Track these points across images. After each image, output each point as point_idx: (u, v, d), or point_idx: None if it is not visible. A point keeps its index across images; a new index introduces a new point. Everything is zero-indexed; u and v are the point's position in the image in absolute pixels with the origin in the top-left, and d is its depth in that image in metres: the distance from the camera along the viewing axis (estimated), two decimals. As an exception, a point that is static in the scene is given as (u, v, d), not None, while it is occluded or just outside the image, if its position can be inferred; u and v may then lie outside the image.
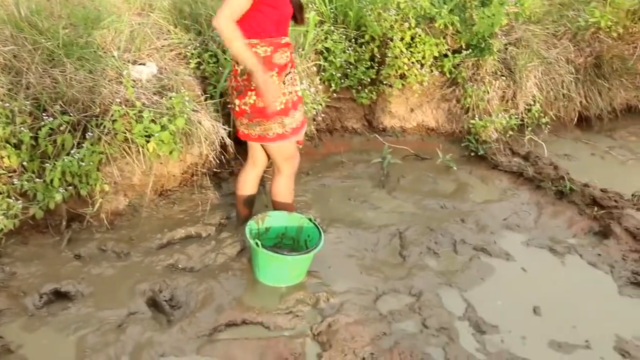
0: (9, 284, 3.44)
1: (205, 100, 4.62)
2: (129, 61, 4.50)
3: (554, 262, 4.19)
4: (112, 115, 3.94)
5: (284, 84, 3.53)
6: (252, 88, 3.44)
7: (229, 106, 3.68)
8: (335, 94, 5.55)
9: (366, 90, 5.68)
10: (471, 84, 5.74)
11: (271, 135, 3.56)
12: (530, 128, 5.83)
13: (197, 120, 4.27)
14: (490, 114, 5.67)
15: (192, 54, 4.75)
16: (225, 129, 4.52)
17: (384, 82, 5.69)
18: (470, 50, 5.74)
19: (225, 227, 4.19)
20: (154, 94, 4.28)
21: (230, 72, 3.61)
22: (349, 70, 5.55)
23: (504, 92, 5.85)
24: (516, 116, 5.76)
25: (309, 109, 4.89)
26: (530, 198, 4.97)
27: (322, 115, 5.39)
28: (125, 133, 3.98)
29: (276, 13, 3.36)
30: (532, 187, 5.10)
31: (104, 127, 3.94)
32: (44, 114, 3.82)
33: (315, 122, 5.31)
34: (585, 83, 6.35)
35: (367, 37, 5.59)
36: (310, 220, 3.80)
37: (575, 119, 6.40)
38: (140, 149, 4.06)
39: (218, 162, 4.57)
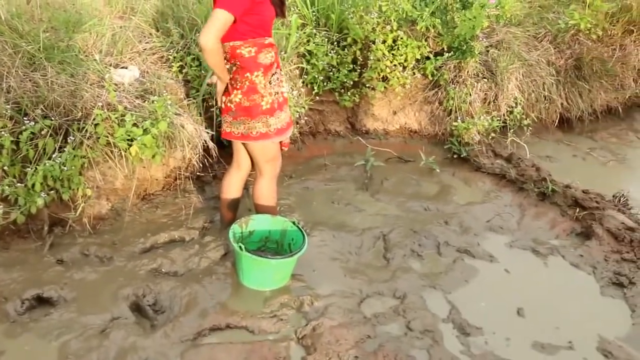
0: (-10, 290, 3.40)
1: (188, 103, 4.60)
2: (111, 65, 4.47)
3: (537, 263, 4.22)
4: (94, 119, 3.92)
5: (270, 83, 3.54)
6: (238, 87, 3.48)
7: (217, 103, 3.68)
8: (318, 97, 5.55)
9: (349, 93, 5.68)
10: (453, 86, 5.77)
11: (254, 134, 3.57)
12: (512, 130, 5.87)
13: (179, 123, 4.25)
14: (472, 116, 5.71)
15: (175, 57, 4.73)
16: (208, 133, 4.51)
17: (367, 85, 5.70)
18: (452, 52, 5.77)
19: (209, 231, 4.17)
20: (136, 97, 4.26)
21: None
22: (331, 73, 5.56)
23: (485, 94, 5.89)
24: (498, 118, 5.80)
25: (292, 112, 4.88)
26: (513, 200, 5.01)
27: (305, 118, 5.38)
28: (107, 137, 3.96)
29: (260, 18, 3.38)
30: (515, 188, 5.14)
31: (86, 131, 3.91)
32: (25, 118, 3.79)
33: (298, 125, 5.30)
34: (566, 85, 6.42)
35: (349, 40, 5.60)
36: (294, 223, 3.79)
37: (557, 121, 6.46)
38: (123, 153, 4.03)
39: (201, 165, 4.55)
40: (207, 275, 3.72)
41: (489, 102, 5.91)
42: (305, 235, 3.68)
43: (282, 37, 5.17)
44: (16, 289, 3.42)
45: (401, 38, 5.56)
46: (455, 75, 5.83)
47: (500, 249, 4.33)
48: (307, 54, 5.42)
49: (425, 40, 5.75)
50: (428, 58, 5.76)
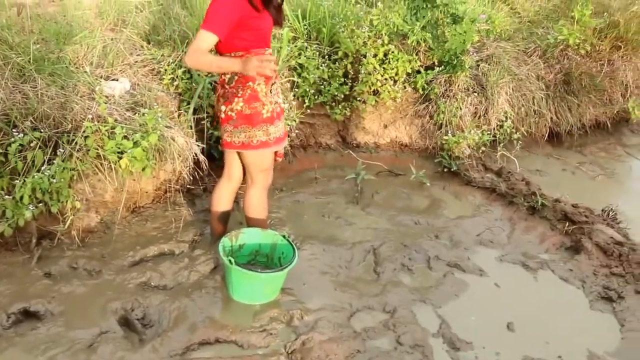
0: (-24, 304, 3.37)
1: (179, 116, 4.60)
2: (101, 77, 4.47)
3: (527, 277, 4.22)
4: (84, 132, 3.91)
5: (270, 92, 3.57)
6: (239, 95, 3.49)
7: (217, 114, 3.68)
8: (309, 110, 5.56)
9: (340, 107, 5.70)
10: (444, 100, 5.80)
11: (255, 143, 3.57)
12: (502, 144, 5.90)
13: (170, 136, 4.24)
14: (462, 130, 5.73)
15: (166, 70, 4.73)
16: (198, 146, 4.50)
17: (358, 99, 5.71)
18: (442, 66, 5.80)
19: (199, 244, 4.15)
20: (127, 110, 4.26)
21: (217, 81, 3.65)
22: (322, 87, 5.57)
23: (476, 108, 5.92)
24: (488, 132, 5.82)
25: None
26: (503, 214, 5.02)
27: (296, 131, 5.39)
28: (97, 149, 3.94)
29: (257, 32, 3.42)
30: (505, 202, 5.15)
31: (76, 143, 3.89)
32: (14, 130, 3.78)
33: (289, 138, 5.30)
34: (556, 99, 6.45)
35: (340, 53, 5.62)
36: (284, 237, 3.78)
37: (546, 135, 6.48)
38: (113, 166, 4.02)
39: (191, 178, 4.53)
40: (197, 289, 3.69)
41: (479, 116, 5.94)
42: (296, 249, 3.67)
43: (274, 50, 5.18)
44: (2, 302, 3.38)
45: (392, 52, 5.58)
46: (446, 89, 5.86)
47: (490, 263, 4.33)
48: (298, 67, 5.43)
49: (416, 54, 5.79)
50: (419, 72, 5.78)
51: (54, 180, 3.70)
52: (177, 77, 4.70)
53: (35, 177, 3.65)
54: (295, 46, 5.44)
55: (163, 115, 4.24)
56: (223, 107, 3.57)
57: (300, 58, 5.40)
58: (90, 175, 4.02)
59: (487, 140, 5.74)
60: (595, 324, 3.83)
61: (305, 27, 5.71)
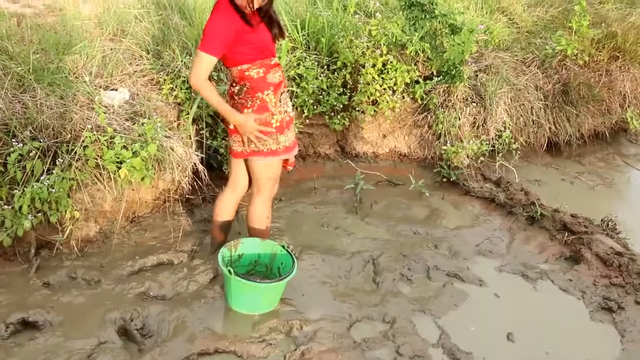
0: (-25, 314, 3.35)
1: (178, 126, 4.60)
2: (100, 87, 4.48)
3: (527, 287, 4.22)
4: (83, 142, 3.91)
5: (280, 102, 3.59)
6: (249, 106, 3.51)
7: (226, 125, 3.71)
8: (308, 120, 5.56)
9: (339, 117, 5.70)
10: (442, 110, 5.80)
11: (265, 151, 3.58)
12: (501, 154, 5.91)
13: (169, 146, 4.24)
14: (461, 140, 5.73)
15: (165, 79, 4.73)
16: (198, 155, 4.50)
17: (357, 109, 5.72)
18: (441, 76, 5.81)
19: (198, 254, 4.15)
20: (126, 120, 4.26)
21: (225, 92, 3.66)
22: (321, 97, 5.57)
23: (474, 118, 5.93)
24: (487, 142, 5.83)
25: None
26: (502, 224, 5.02)
27: (297, 139, 5.38)
28: (96, 159, 3.95)
29: (256, 46, 3.43)
30: (504, 212, 5.15)
31: (75, 153, 3.90)
32: (13, 140, 3.77)
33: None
34: (554, 109, 6.46)
35: (339, 63, 5.62)
36: (283, 247, 3.78)
37: (545, 145, 6.49)
38: (112, 175, 4.02)
39: (190, 188, 4.54)
40: (196, 299, 3.68)
41: (478, 126, 5.95)
42: (295, 259, 3.67)
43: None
44: (1, 312, 3.37)
45: (391, 62, 5.59)
46: (445, 100, 5.87)
47: (489, 273, 4.33)
48: (297, 77, 5.43)
49: (415, 64, 5.80)
50: (417, 82, 5.79)
51: (53, 190, 3.69)
52: (176, 86, 4.71)
53: (35, 186, 3.65)
54: (294, 56, 5.45)
55: (162, 125, 4.24)
56: None
57: (299, 68, 5.41)
58: (89, 185, 4.02)
59: (486, 150, 5.75)
60: (595, 334, 3.83)
61: (304, 37, 5.72)
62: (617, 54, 6.83)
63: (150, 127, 4.05)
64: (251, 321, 3.56)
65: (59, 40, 4.63)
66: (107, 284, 3.74)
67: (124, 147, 3.99)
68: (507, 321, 3.82)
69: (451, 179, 5.58)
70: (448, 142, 5.72)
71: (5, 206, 3.61)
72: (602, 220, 4.94)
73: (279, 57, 5.08)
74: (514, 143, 5.92)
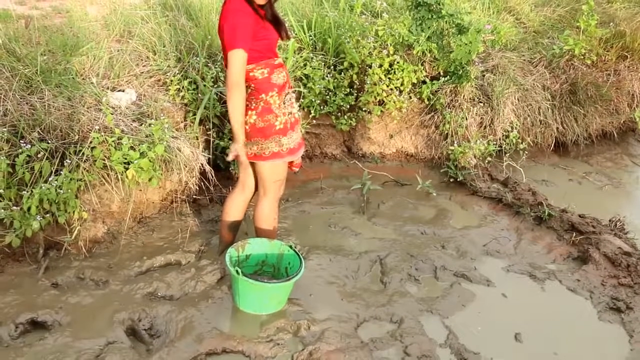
0: (-16, 314, 3.37)
1: (185, 127, 4.61)
2: (107, 88, 4.49)
3: (534, 288, 4.20)
4: (90, 142, 3.92)
5: (284, 104, 3.58)
6: (253, 107, 3.51)
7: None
8: (314, 120, 5.56)
9: (345, 117, 5.70)
10: (449, 110, 5.80)
11: (267, 154, 3.58)
12: (508, 154, 5.90)
13: (176, 147, 4.25)
14: (468, 140, 5.72)
15: (172, 80, 4.74)
16: (205, 156, 4.51)
17: (363, 109, 5.72)
18: (448, 77, 5.81)
19: (205, 254, 4.15)
20: (133, 120, 4.27)
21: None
22: (328, 97, 5.58)
23: (482, 118, 5.91)
24: (494, 142, 5.82)
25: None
26: (510, 224, 5.01)
27: (303, 140, 5.38)
28: (104, 160, 3.96)
29: (265, 42, 3.44)
30: (511, 212, 5.13)
31: (83, 154, 3.91)
32: (21, 141, 3.79)
33: (295, 148, 5.31)
34: (561, 109, 6.44)
35: (346, 64, 5.63)
36: (290, 247, 3.78)
37: (552, 145, 6.47)
38: (119, 176, 4.03)
39: (198, 188, 4.55)
40: (203, 299, 3.69)
41: (485, 126, 5.93)
42: (302, 259, 3.67)
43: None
44: (10, 313, 3.39)
45: (397, 62, 5.60)
46: (452, 100, 5.86)
47: (497, 274, 4.32)
48: (304, 77, 5.44)
49: (422, 64, 5.80)
50: (424, 82, 5.79)
51: (61, 191, 3.71)
52: (183, 87, 4.72)
53: (43, 187, 3.66)
54: (301, 57, 5.46)
55: (169, 126, 4.25)
56: None
57: (305, 69, 5.41)
58: (97, 186, 4.04)
59: (493, 150, 5.73)
60: (604, 335, 3.82)
61: (311, 37, 5.73)
62: (626, 54, 6.81)
63: (157, 128, 4.06)
64: (259, 321, 3.56)
65: (66, 41, 4.64)
66: (115, 284, 3.75)
67: (132, 148, 4.00)
68: (514, 321, 3.81)
69: (458, 179, 5.57)
70: (455, 142, 5.71)
71: (14, 207, 3.62)
72: (610, 221, 4.92)
73: (286, 58, 5.11)
74: (521, 143, 5.91)
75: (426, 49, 5.71)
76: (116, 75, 4.61)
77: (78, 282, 3.75)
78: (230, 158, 3.53)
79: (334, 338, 3.47)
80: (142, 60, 4.89)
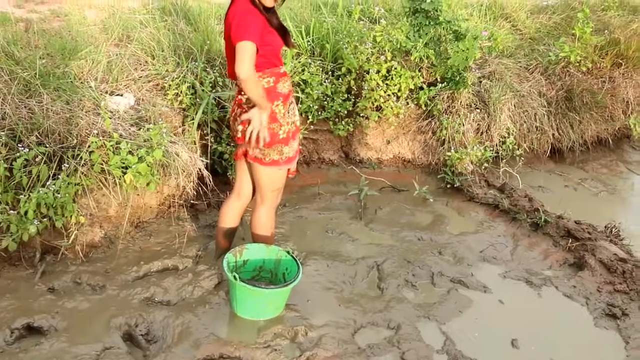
0: (-20, 319, 3.36)
1: (183, 131, 4.61)
2: (106, 92, 4.49)
3: (531, 294, 4.22)
4: (89, 147, 3.91)
5: (288, 113, 3.57)
6: None
7: (233, 133, 3.65)
8: (312, 126, 5.57)
9: (343, 122, 5.71)
10: (446, 116, 5.81)
11: (267, 160, 3.57)
12: (504, 160, 5.91)
13: (174, 151, 4.25)
14: (465, 146, 5.74)
15: (170, 85, 4.75)
16: (202, 161, 4.51)
17: (361, 114, 5.73)
18: (445, 83, 5.83)
19: (203, 260, 4.15)
20: (132, 125, 4.27)
21: (234, 102, 3.63)
22: (325, 103, 5.59)
23: (478, 124, 5.93)
24: (491, 148, 5.83)
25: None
26: (506, 230, 5.02)
27: (299, 146, 5.39)
28: (102, 164, 3.95)
29: (271, 48, 3.40)
30: (508, 219, 5.15)
31: (81, 158, 3.90)
32: (19, 145, 3.78)
33: (292, 154, 5.32)
34: (557, 116, 6.46)
35: (343, 69, 5.64)
36: (288, 253, 3.78)
37: (548, 151, 6.49)
38: (117, 181, 4.02)
39: (195, 193, 4.54)
40: (201, 305, 3.69)
41: (482, 133, 5.95)
42: (300, 265, 3.67)
43: (277, 66, 5.20)
44: (6, 317, 3.38)
45: (395, 68, 5.61)
46: (449, 106, 5.88)
47: (494, 280, 4.33)
48: (301, 83, 5.45)
49: (419, 70, 5.82)
50: (421, 88, 5.81)
51: (59, 195, 3.70)
52: (181, 92, 4.72)
53: (40, 192, 3.65)
54: (299, 62, 5.47)
55: (167, 131, 4.25)
56: (240, 127, 3.53)
57: (303, 74, 5.43)
58: (94, 190, 4.03)
59: (490, 156, 5.75)
60: (600, 341, 3.82)
61: (309, 43, 5.74)
62: (620, 61, 6.85)
63: (156, 132, 4.05)
64: (256, 327, 3.56)
65: (64, 45, 4.65)
66: (112, 289, 3.74)
67: (130, 152, 3.99)
68: (511, 327, 3.82)
69: (455, 185, 5.58)
70: (452, 148, 5.72)
71: (11, 211, 3.61)
72: (605, 227, 4.94)
73: (284, 64, 5.11)
74: (518, 149, 5.93)
75: (423, 55, 5.73)
76: (114, 79, 4.61)
77: (75, 287, 3.74)
78: (245, 117, 3.43)
79: (331, 344, 3.47)
80: (140, 64, 4.89)
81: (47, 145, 3.88)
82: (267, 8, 3.38)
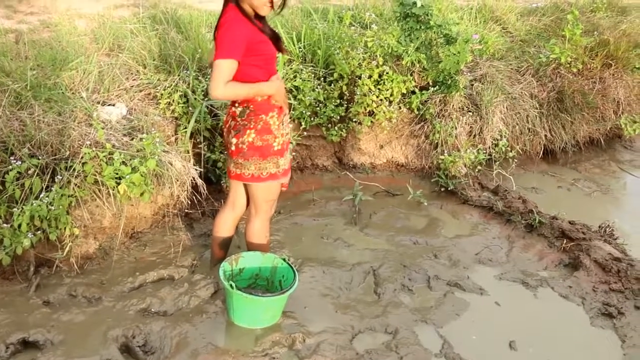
0: (-26, 334, 3.33)
1: (176, 140, 4.60)
2: (98, 102, 4.48)
3: (527, 295, 4.22)
4: (82, 158, 3.90)
5: (282, 124, 3.57)
6: (251, 127, 3.46)
7: (227, 145, 3.64)
8: (305, 132, 5.56)
9: (336, 128, 5.71)
10: (439, 120, 5.82)
11: (264, 175, 3.56)
12: (498, 162, 5.92)
13: (168, 161, 4.24)
14: (458, 149, 5.75)
15: (162, 94, 4.74)
16: (196, 170, 4.50)
17: (353, 120, 5.73)
18: (437, 86, 5.84)
19: (198, 269, 4.13)
20: (124, 135, 4.26)
21: (227, 113, 3.63)
22: (318, 108, 5.59)
23: (471, 127, 5.94)
24: (484, 151, 5.84)
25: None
26: (501, 232, 5.03)
27: (293, 153, 5.40)
28: (95, 175, 3.93)
29: (264, 58, 3.39)
30: (502, 221, 5.16)
31: (74, 169, 3.88)
32: (11, 158, 3.76)
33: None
34: (549, 117, 6.48)
35: (335, 75, 5.64)
36: (284, 260, 3.77)
37: (541, 153, 6.51)
38: (111, 192, 4.00)
39: (189, 202, 4.53)
40: (197, 314, 3.67)
41: (475, 135, 5.96)
42: (296, 272, 3.66)
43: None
44: (1, 332, 3.35)
45: (387, 73, 5.62)
46: (441, 109, 5.89)
47: (489, 282, 4.33)
48: (294, 89, 5.45)
49: (411, 75, 5.83)
50: (414, 92, 5.82)
51: (52, 208, 3.68)
52: (173, 101, 4.71)
53: (34, 204, 3.63)
54: (291, 69, 5.47)
55: (160, 140, 4.24)
56: (234, 140, 3.51)
57: (295, 80, 5.42)
58: (88, 202, 4.01)
59: (483, 159, 5.75)
60: (596, 340, 3.84)
61: (300, 49, 5.74)
62: (610, 62, 6.87)
63: (149, 142, 4.04)
64: (254, 335, 3.55)
65: (55, 56, 4.63)
66: (107, 301, 3.72)
67: (123, 162, 3.97)
68: (508, 329, 3.82)
69: (449, 188, 5.59)
70: (445, 151, 5.73)
71: (4, 224, 3.59)
72: (599, 227, 4.95)
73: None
74: (511, 151, 5.94)
75: (415, 60, 5.74)
76: (106, 89, 4.60)
77: (70, 300, 3.72)
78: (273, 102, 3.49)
79: (329, 350, 3.46)
80: (132, 74, 4.88)
81: (40, 158, 3.86)
82: (260, 16, 3.38)
